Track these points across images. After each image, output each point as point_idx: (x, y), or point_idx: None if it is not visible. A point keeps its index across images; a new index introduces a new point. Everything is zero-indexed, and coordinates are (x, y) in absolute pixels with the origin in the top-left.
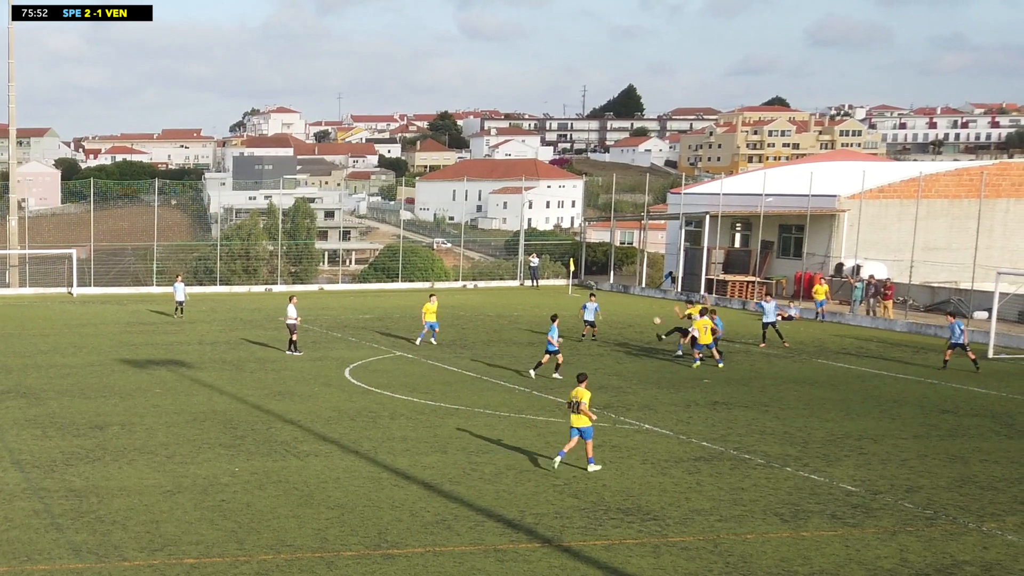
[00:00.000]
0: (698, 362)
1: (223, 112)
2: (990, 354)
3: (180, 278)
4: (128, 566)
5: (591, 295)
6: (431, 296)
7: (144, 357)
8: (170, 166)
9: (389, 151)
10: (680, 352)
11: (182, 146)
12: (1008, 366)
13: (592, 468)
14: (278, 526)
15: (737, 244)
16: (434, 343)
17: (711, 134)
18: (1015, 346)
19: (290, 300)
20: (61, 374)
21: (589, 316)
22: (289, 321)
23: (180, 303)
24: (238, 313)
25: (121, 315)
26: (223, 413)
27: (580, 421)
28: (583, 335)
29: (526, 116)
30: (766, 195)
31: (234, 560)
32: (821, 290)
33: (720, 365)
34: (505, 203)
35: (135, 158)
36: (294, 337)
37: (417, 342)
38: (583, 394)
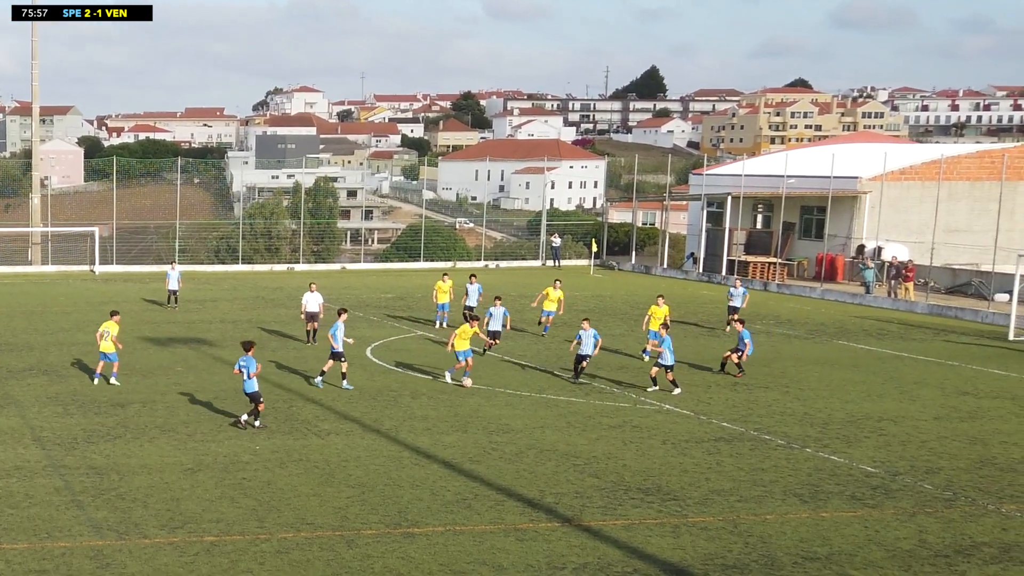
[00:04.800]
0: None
1: (246, 91)
2: (1011, 336)
3: (174, 265)
4: (148, 543)
5: (474, 275)
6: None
7: (166, 335)
8: (193, 145)
9: (412, 131)
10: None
11: (205, 125)
12: None
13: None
14: (299, 504)
15: (759, 225)
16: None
17: (733, 115)
18: None
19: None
20: (83, 352)
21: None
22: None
23: (173, 292)
24: (260, 292)
25: (143, 293)
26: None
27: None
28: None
29: (549, 97)
30: (788, 176)
31: (254, 538)
32: (554, 296)
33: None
34: (527, 183)
35: (158, 136)
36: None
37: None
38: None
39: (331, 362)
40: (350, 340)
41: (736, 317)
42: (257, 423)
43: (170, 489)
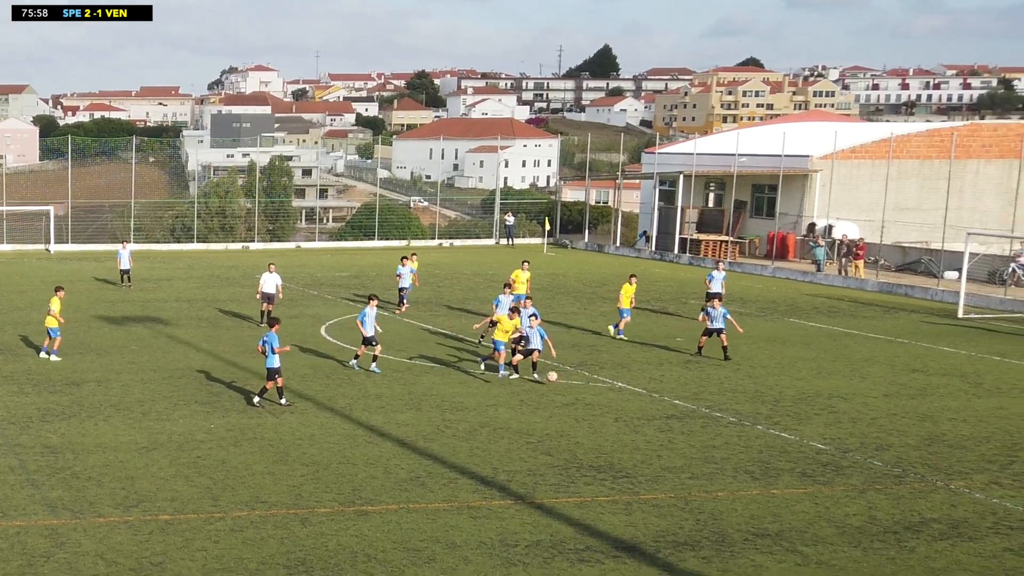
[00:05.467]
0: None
1: (201, 70)
2: (960, 314)
3: (125, 244)
4: (103, 522)
5: (406, 257)
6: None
7: (121, 314)
8: (148, 124)
9: (366, 109)
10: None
11: (160, 104)
12: (977, 325)
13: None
14: (253, 483)
15: (711, 204)
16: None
17: (686, 94)
18: (984, 305)
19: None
20: (38, 331)
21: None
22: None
23: (125, 271)
24: (215, 270)
25: (98, 272)
26: (199, 370)
27: None
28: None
29: (503, 75)
30: (739, 155)
31: (209, 516)
32: (522, 278)
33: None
34: (481, 162)
35: (113, 115)
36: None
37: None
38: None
39: (364, 348)
40: (380, 329)
41: (713, 295)
42: (283, 401)
43: (125, 468)
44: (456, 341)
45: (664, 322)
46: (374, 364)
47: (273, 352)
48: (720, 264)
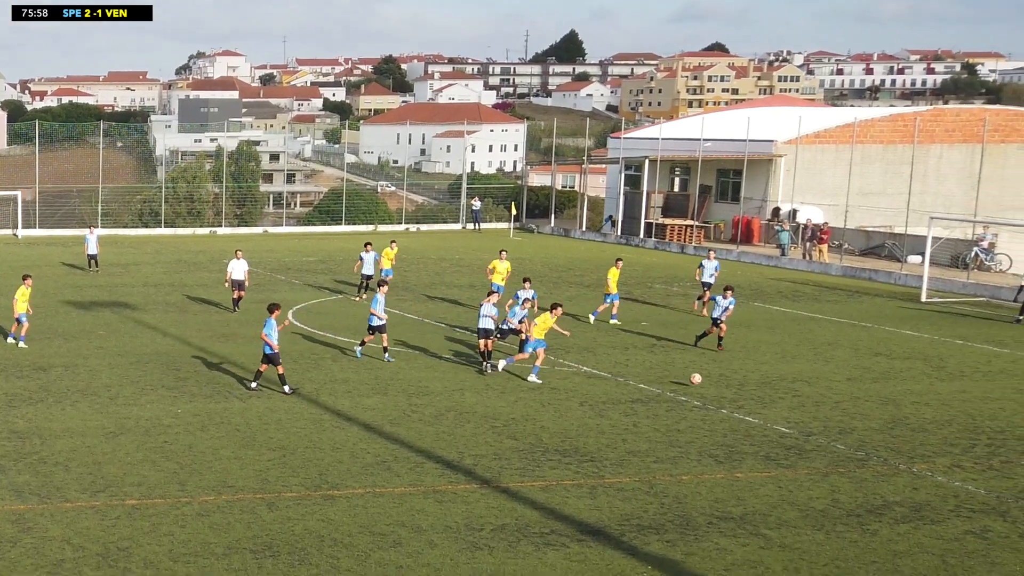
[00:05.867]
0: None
1: (169, 55)
2: (923, 298)
3: (93, 229)
4: (70, 507)
5: (369, 243)
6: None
7: (88, 299)
8: (116, 108)
9: (334, 95)
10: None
11: (128, 88)
12: (940, 309)
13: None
14: (220, 467)
15: (676, 188)
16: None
17: (652, 79)
18: (947, 289)
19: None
20: (4, 316)
21: (369, 270)
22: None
23: (93, 256)
24: (183, 255)
25: (66, 257)
26: (166, 355)
27: None
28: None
29: (469, 60)
30: (704, 140)
31: (176, 501)
32: (501, 268)
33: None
34: (448, 147)
35: (81, 100)
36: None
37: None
38: None
39: (385, 337)
40: (385, 316)
41: (725, 286)
42: (253, 384)
43: (92, 453)
44: (422, 326)
45: (629, 307)
46: (359, 348)
47: (265, 341)
48: (711, 253)
